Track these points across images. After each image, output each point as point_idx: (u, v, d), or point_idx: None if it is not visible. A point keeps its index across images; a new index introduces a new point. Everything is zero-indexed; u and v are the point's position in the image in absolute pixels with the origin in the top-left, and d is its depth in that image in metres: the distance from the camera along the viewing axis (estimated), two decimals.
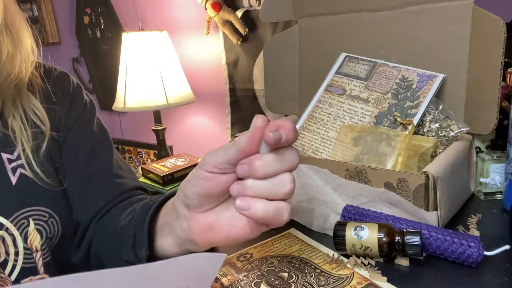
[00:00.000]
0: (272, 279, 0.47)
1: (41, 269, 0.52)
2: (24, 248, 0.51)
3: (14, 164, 0.52)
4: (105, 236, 0.53)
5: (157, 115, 1.51)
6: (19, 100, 0.54)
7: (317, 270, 0.48)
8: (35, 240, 0.52)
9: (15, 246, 0.50)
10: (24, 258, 0.51)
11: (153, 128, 1.52)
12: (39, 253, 0.52)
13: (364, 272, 0.47)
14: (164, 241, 0.44)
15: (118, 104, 1.45)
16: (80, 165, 0.57)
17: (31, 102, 0.55)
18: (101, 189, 0.57)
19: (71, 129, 0.58)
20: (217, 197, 0.38)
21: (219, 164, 0.35)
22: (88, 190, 0.56)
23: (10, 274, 0.50)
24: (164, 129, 1.53)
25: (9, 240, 0.50)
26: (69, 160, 0.57)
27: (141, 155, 1.97)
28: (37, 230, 0.52)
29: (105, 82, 2.14)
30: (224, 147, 0.35)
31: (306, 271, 0.48)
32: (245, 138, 0.34)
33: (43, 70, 0.59)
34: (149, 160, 1.93)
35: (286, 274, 0.48)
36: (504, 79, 0.63)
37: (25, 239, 0.51)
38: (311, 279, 0.46)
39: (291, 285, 0.46)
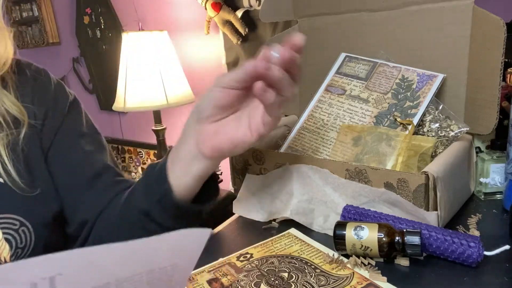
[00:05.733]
0: (272, 279, 0.47)
1: None
2: None
3: None
4: (110, 216, 0.54)
5: (157, 115, 1.51)
6: None
7: (317, 270, 0.48)
8: (4, 250, 0.48)
9: None
10: None
11: (153, 128, 1.52)
12: None
13: (364, 272, 0.47)
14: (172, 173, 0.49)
15: (118, 104, 1.45)
16: (75, 166, 0.55)
17: (5, 95, 0.52)
18: (102, 188, 0.57)
19: (58, 129, 0.56)
20: (226, 109, 0.46)
21: (231, 81, 0.44)
22: (90, 190, 0.56)
23: None
24: (164, 129, 1.53)
25: None
26: (61, 163, 0.55)
27: (141, 155, 1.97)
28: (6, 239, 0.48)
29: (105, 82, 2.14)
30: (233, 71, 0.45)
31: (306, 271, 0.48)
32: (251, 66, 0.43)
33: (18, 66, 0.56)
34: (149, 160, 1.93)
35: (286, 274, 0.48)
36: (504, 79, 0.63)
37: None
38: (311, 279, 0.47)
39: (291, 285, 0.46)
